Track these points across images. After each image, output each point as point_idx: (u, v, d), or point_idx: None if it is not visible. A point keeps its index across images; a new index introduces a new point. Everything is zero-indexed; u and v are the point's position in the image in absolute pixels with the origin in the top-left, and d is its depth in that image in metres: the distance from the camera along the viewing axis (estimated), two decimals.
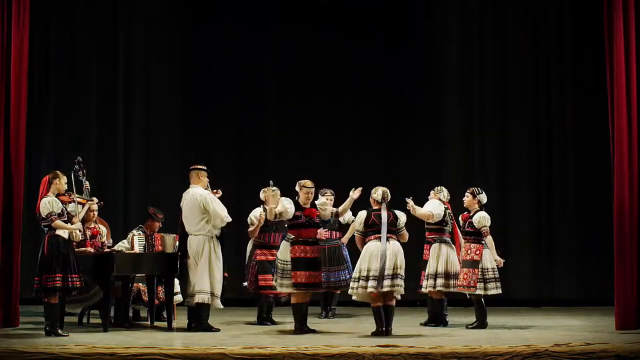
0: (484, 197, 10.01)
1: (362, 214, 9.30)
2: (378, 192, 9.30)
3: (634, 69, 9.59)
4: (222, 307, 9.67)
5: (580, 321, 10.64)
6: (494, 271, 9.79)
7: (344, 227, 10.98)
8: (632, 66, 9.58)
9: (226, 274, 9.91)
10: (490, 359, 7.57)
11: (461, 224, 10.06)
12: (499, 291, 9.84)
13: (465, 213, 10.06)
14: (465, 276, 9.78)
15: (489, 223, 9.90)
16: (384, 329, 9.08)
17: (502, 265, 9.91)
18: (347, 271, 10.64)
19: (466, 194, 10.05)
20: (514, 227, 13.33)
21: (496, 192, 13.34)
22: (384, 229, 9.11)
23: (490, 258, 9.82)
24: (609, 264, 9.79)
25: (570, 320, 10.74)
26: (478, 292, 9.73)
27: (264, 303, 10.37)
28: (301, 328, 9.35)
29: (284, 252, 9.43)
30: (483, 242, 9.86)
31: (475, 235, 9.87)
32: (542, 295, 13.18)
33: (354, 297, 9.29)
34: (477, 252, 9.81)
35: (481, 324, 9.82)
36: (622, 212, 9.51)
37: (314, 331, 9.41)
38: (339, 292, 10.95)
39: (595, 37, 10.99)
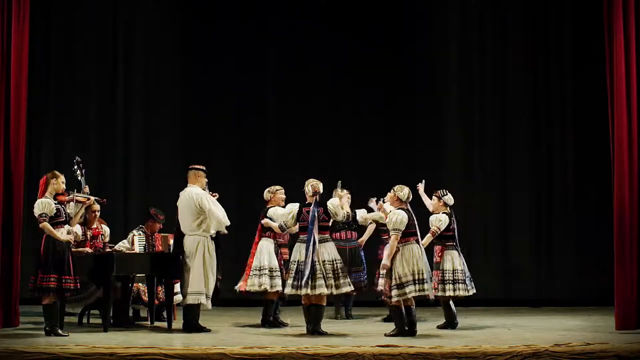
0: (449, 199, 9.90)
1: (403, 214, 9.02)
2: (404, 191, 9.13)
3: (634, 69, 9.58)
4: (210, 308, 9.61)
5: (580, 321, 10.64)
6: (454, 273, 9.73)
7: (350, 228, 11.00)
8: (632, 66, 9.58)
9: (220, 277, 9.86)
10: (490, 359, 7.57)
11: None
12: (465, 293, 9.76)
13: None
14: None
15: (442, 226, 9.73)
16: (406, 328, 8.99)
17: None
18: (364, 272, 10.71)
19: (432, 197, 9.99)
20: (514, 227, 13.34)
21: (496, 192, 13.39)
22: (418, 231, 9.04)
23: (453, 260, 9.76)
24: (609, 264, 9.79)
25: (570, 320, 10.73)
26: (439, 293, 9.70)
27: (270, 304, 10.20)
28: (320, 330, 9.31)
29: (333, 252, 9.31)
30: (448, 243, 9.80)
31: (438, 238, 9.81)
32: (542, 295, 13.17)
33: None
34: (439, 254, 9.81)
35: (450, 324, 9.80)
36: (622, 212, 9.51)
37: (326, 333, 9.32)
38: (355, 293, 11.06)
39: (595, 37, 10.98)
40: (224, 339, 8.76)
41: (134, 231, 10.56)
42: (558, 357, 7.60)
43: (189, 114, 13.56)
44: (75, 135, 13.28)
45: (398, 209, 9.13)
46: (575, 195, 13.31)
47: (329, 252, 9.25)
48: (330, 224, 9.43)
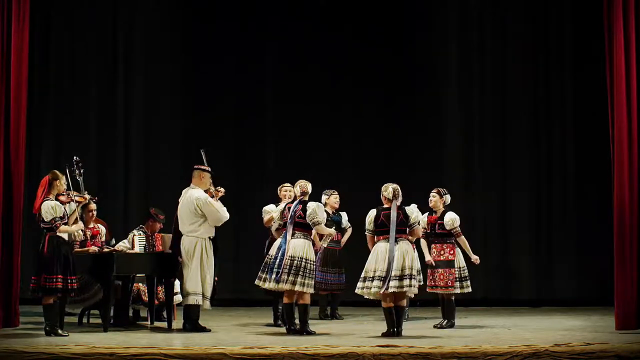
0: (449, 198, 9.97)
1: (372, 213, 9.10)
2: (389, 190, 9.11)
3: (634, 69, 9.57)
4: (210, 308, 9.61)
5: (580, 321, 10.64)
6: (466, 270, 9.87)
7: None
8: (632, 66, 9.57)
9: (216, 278, 9.84)
10: (490, 359, 7.57)
11: (426, 226, 9.92)
12: (470, 289, 9.92)
13: (433, 215, 9.97)
14: (441, 277, 9.76)
15: (459, 223, 9.87)
16: (394, 329, 9.01)
17: (478, 262, 9.95)
18: (343, 274, 10.89)
19: (432, 194, 9.98)
20: (514, 227, 13.34)
21: (496, 192, 13.39)
22: (393, 228, 8.95)
23: (462, 257, 9.86)
24: (609, 264, 9.79)
25: (570, 320, 10.74)
26: (456, 291, 9.75)
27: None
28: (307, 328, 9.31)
29: (309, 252, 9.29)
30: (454, 241, 9.86)
31: (447, 236, 9.84)
32: (542, 295, 13.18)
33: (365, 296, 9.10)
34: (452, 252, 9.82)
35: (453, 323, 9.83)
36: (622, 212, 9.50)
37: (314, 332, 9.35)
38: (340, 292, 11.09)
39: (595, 37, 10.98)
40: (224, 339, 8.75)
41: (134, 231, 10.55)
42: (558, 357, 7.60)
43: (189, 113, 13.56)
44: (75, 135, 13.27)
45: (382, 208, 9.11)
46: (575, 195, 13.31)
47: (297, 248, 9.19)
48: (305, 221, 9.30)
